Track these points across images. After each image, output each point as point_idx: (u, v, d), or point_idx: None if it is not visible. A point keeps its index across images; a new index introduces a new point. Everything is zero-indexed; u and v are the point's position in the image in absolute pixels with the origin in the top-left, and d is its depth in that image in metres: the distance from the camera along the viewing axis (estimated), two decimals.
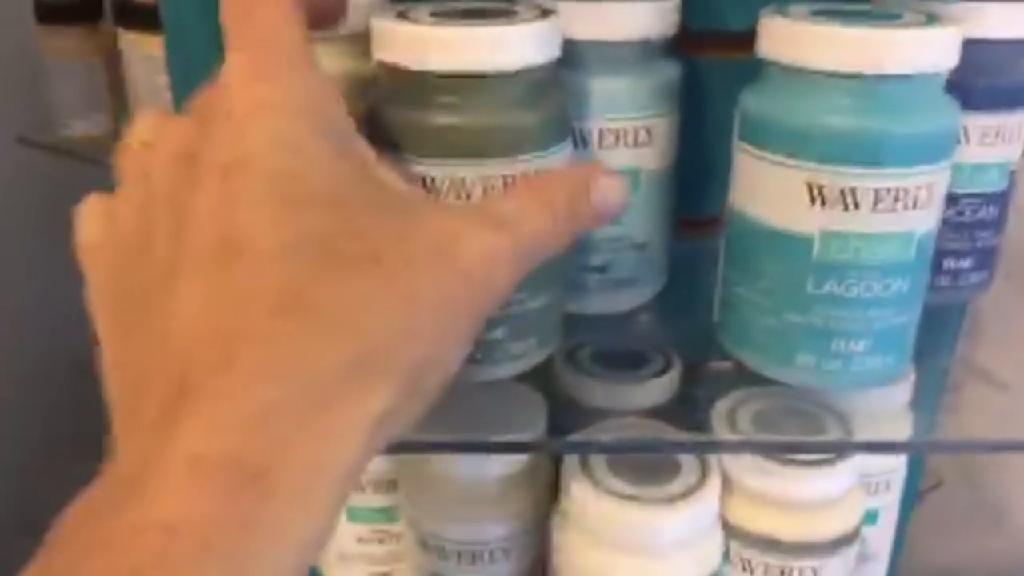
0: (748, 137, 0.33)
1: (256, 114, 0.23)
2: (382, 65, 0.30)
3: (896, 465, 0.48)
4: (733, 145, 0.34)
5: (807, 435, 0.40)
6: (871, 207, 0.30)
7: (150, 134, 0.25)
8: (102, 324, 0.24)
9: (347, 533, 0.50)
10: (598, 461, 0.40)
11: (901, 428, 0.46)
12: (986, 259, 0.41)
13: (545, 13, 0.30)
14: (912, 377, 0.45)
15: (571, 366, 0.45)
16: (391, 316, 0.21)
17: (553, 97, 0.31)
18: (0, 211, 0.80)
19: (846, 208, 0.30)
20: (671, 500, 0.38)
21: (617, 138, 0.37)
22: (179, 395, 0.19)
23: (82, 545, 0.19)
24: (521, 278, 0.25)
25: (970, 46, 0.33)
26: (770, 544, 0.40)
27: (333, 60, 0.36)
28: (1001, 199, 0.40)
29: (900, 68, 0.29)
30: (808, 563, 0.40)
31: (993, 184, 0.39)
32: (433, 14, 0.30)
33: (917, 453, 0.50)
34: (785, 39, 0.31)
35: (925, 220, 0.32)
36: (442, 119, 0.29)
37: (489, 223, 0.24)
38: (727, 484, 0.41)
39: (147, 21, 0.60)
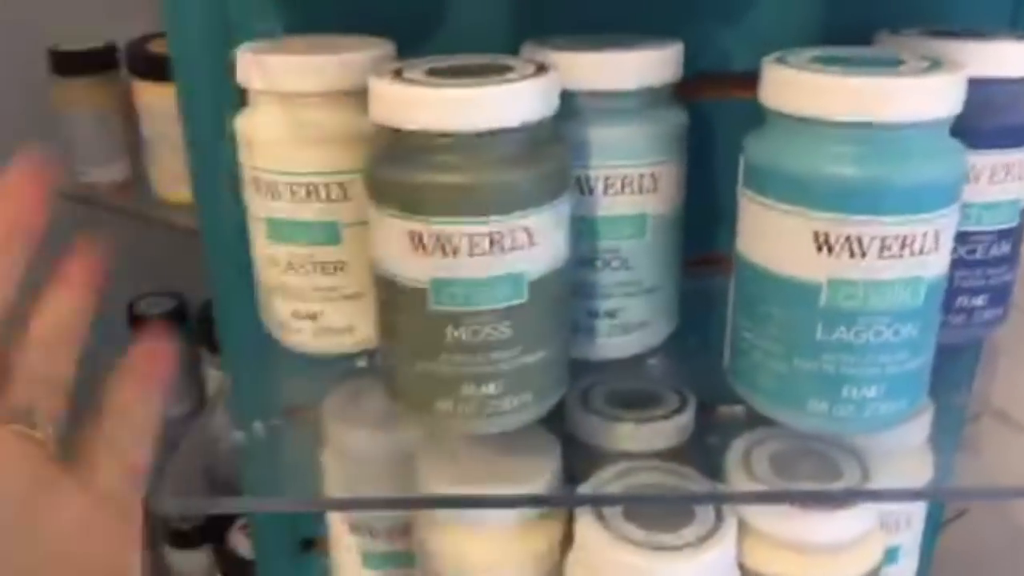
0: (753, 185, 0.33)
1: None
2: (378, 124, 0.30)
3: (916, 503, 0.47)
4: (738, 191, 0.34)
5: (824, 477, 0.40)
6: (878, 254, 0.30)
7: None
8: None
9: None
10: (612, 507, 0.39)
11: (920, 466, 0.45)
12: (1000, 296, 0.40)
13: (541, 69, 0.31)
14: (930, 413, 0.45)
15: (584, 407, 0.45)
16: None
17: (551, 151, 0.32)
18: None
19: (852, 256, 0.30)
20: (686, 547, 0.37)
21: (623, 185, 0.37)
22: None
23: None
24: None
25: (978, 85, 0.33)
26: None
27: (332, 116, 0.36)
28: (1013, 235, 0.40)
29: (903, 116, 0.29)
30: None
31: (1004, 221, 0.39)
32: (429, 72, 0.31)
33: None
34: (787, 88, 0.31)
35: (934, 265, 0.32)
36: (436, 178, 0.29)
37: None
38: (744, 527, 0.40)
39: (160, 71, 0.61)
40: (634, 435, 0.44)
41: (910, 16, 0.41)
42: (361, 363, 0.42)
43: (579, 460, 0.43)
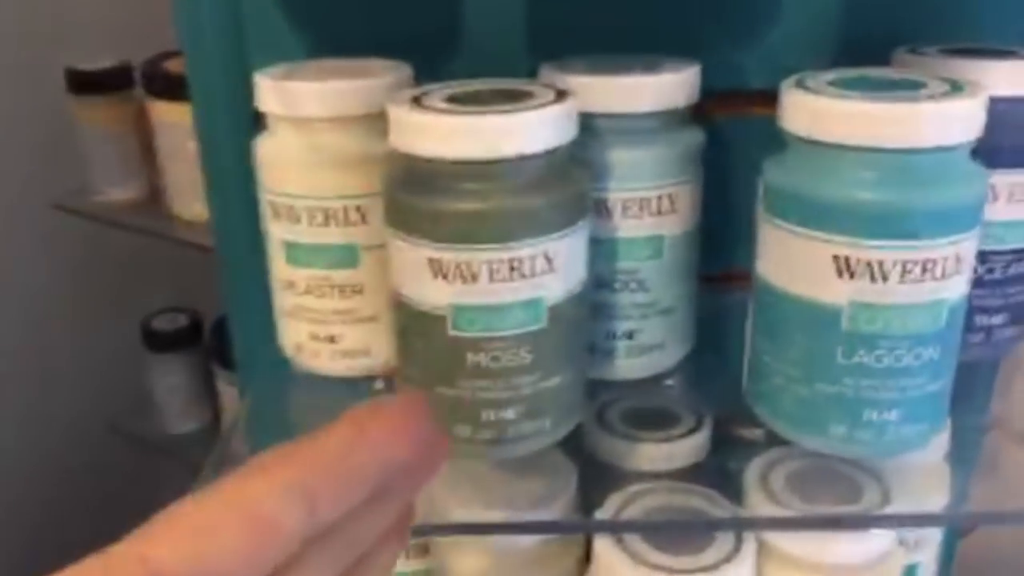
0: (772, 209, 0.33)
1: None
2: (397, 151, 0.30)
3: None
4: (756, 215, 0.34)
5: (843, 498, 0.40)
6: (899, 279, 0.30)
7: None
8: None
9: None
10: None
11: (938, 484, 0.45)
12: (1019, 314, 0.40)
13: (561, 95, 0.31)
14: (948, 431, 0.45)
15: (601, 427, 0.45)
16: None
17: (570, 177, 0.32)
18: (36, 276, 0.81)
19: (874, 280, 0.30)
20: (706, 570, 0.37)
21: (640, 207, 0.37)
22: None
23: None
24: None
25: (996, 104, 0.33)
26: None
27: (350, 140, 0.36)
28: None
29: (925, 142, 0.29)
30: None
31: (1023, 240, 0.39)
32: (448, 99, 0.31)
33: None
34: (807, 113, 0.31)
35: (955, 288, 0.31)
36: (456, 205, 0.29)
37: None
38: (763, 548, 0.40)
39: (175, 90, 0.62)
40: (651, 455, 0.44)
41: (927, 32, 0.41)
42: (378, 385, 0.43)
43: (596, 480, 0.43)
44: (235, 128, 0.43)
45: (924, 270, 0.30)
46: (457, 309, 0.31)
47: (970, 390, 0.49)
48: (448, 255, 0.30)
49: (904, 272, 0.30)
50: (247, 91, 0.39)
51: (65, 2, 0.75)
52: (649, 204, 0.37)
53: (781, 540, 0.40)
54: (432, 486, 0.41)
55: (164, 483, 0.72)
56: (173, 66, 0.66)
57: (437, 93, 0.32)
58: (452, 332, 0.31)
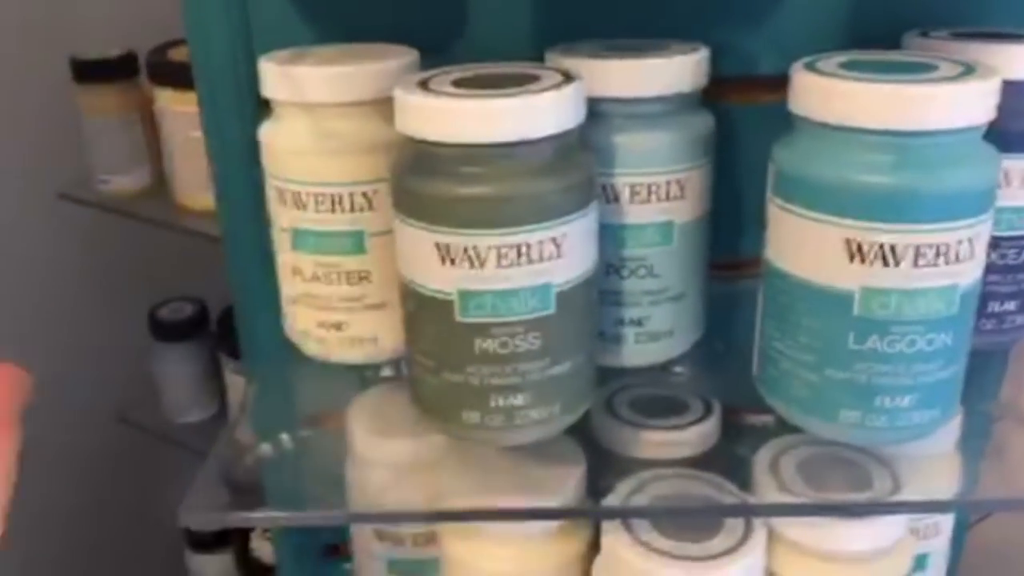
0: (782, 193, 0.32)
1: None
2: (406, 136, 0.30)
3: None
4: (767, 199, 0.34)
5: (853, 486, 0.39)
6: (912, 263, 0.30)
7: None
8: None
9: None
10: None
11: (949, 472, 0.45)
12: None
13: (568, 79, 0.30)
14: (959, 418, 0.44)
15: (609, 414, 0.45)
16: None
17: (578, 161, 0.31)
18: (42, 265, 0.81)
19: (886, 264, 0.30)
20: (715, 557, 0.37)
21: (649, 192, 0.37)
22: None
23: None
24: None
25: (1008, 88, 0.32)
26: None
27: (357, 126, 0.36)
28: None
29: (937, 124, 0.29)
30: None
31: None
32: (455, 83, 0.30)
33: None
34: (817, 96, 0.31)
35: (968, 272, 0.31)
36: (463, 190, 0.29)
37: None
38: (772, 536, 0.40)
39: (181, 78, 0.61)
40: (659, 442, 0.43)
41: (938, 17, 0.41)
42: (386, 372, 0.42)
43: (604, 467, 0.43)
44: (240, 115, 0.43)
45: (937, 254, 0.30)
46: (465, 294, 0.31)
47: (981, 377, 0.49)
48: (456, 240, 0.30)
49: (917, 256, 0.30)
50: (252, 78, 0.39)
51: None
52: (658, 189, 0.37)
53: (790, 528, 0.39)
54: (440, 473, 0.41)
55: (171, 472, 0.72)
56: (178, 55, 0.66)
57: (444, 77, 0.31)
58: (460, 318, 0.31)
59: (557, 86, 0.30)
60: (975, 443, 0.47)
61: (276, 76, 0.37)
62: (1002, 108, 0.32)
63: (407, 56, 0.37)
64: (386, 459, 0.44)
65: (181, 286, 0.84)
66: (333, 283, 0.38)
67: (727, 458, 0.44)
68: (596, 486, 0.42)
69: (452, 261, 0.30)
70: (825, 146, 0.31)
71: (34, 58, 0.74)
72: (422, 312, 0.33)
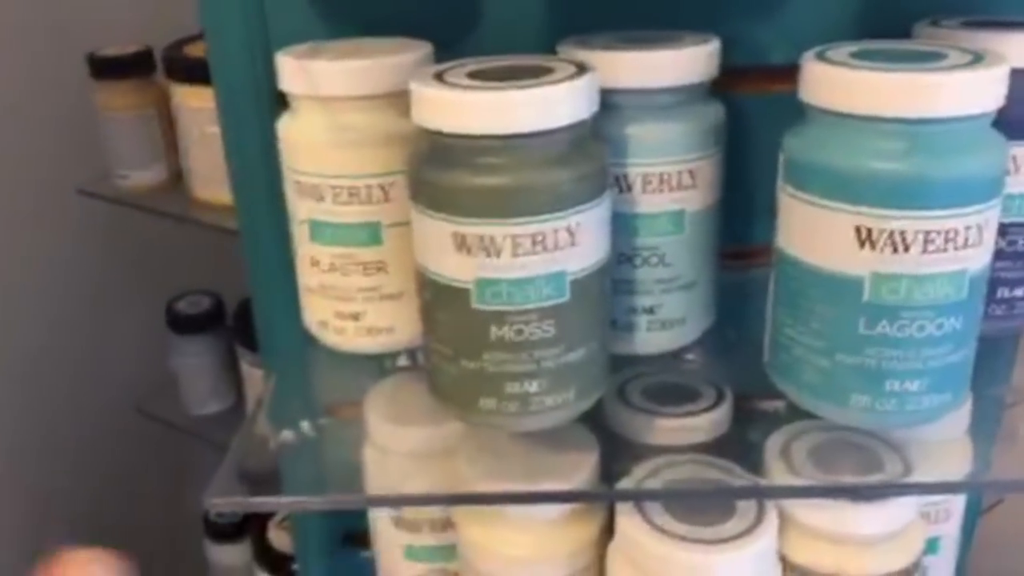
0: (793, 181, 0.33)
1: None
2: (422, 128, 0.31)
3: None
4: (777, 187, 0.34)
5: (864, 470, 0.40)
6: (921, 249, 0.30)
7: None
8: None
9: (405, 571, 0.50)
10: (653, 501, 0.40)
11: (960, 457, 0.45)
12: None
13: (582, 70, 0.31)
14: (969, 404, 0.45)
15: (622, 402, 0.45)
16: None
17: (592, 151, 0.32)
18: (61, 261, 0.82)
19: (896, 250, 0.30)
20: (728, 540, 0.38)
21: (661, 182, 0.37)
22: None
23: None
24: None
25: (1017, 76, 0.33)
26: None
27: (373, 119, 0.37)
28: None
29: (946, 111, 0.29)
30: None
31: None
32: (471, 75, 0.31)
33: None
34: (828, 84, 0.31)
35: (977, 258, 0.31)
36: (479, 180, 0.30)
37: None
38: (784, 520, 0.40)
39: (197, 74, 0.62)
40: (672, 429, 0.44)
41: (949, 6, 0.41)
42: (402, 361, 0.43)
43: (617, 454, 0.43)
44: (257, 109, 0.43)
45: (946, 240, 0.30)
46: (481, 283, 0.32)
47: (992, 363, 0.49)
48: (471, 230, 0.30)
49: (926, 242, 0.30)
50: (269, 72, 0.40)
51: None
52: (670, 179, 0.37)
53: (802, 511, 0.40)
54: (456, 460, 0.42)
55: (189, 464, 0.73)
56: (194, 50, 0.67)
57: (459, 69, 0.32)
58: (476, 306, 0.32)
59: (571, 77, 0.30)
60: (986, 428, 0.47)
61: (293, 70, 0.38)
62: (1011, 96, 0.32)
63: (422, 49, 0.38)
64: (403, 447, 0.44)
65: (198, 279, 0.84)
66: (350, 274, 0.39)
67: (739, 444, 0.44)
68: (610, 472, 0.42)
69: (468, 250, 0.31)
70: (835, 134, 0.31)
71: (52, 55, 0.74)
72: (439, 301, 0.33)
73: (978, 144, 0.31)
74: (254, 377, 0.78)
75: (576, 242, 0.31)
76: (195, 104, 0.66)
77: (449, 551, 0.49)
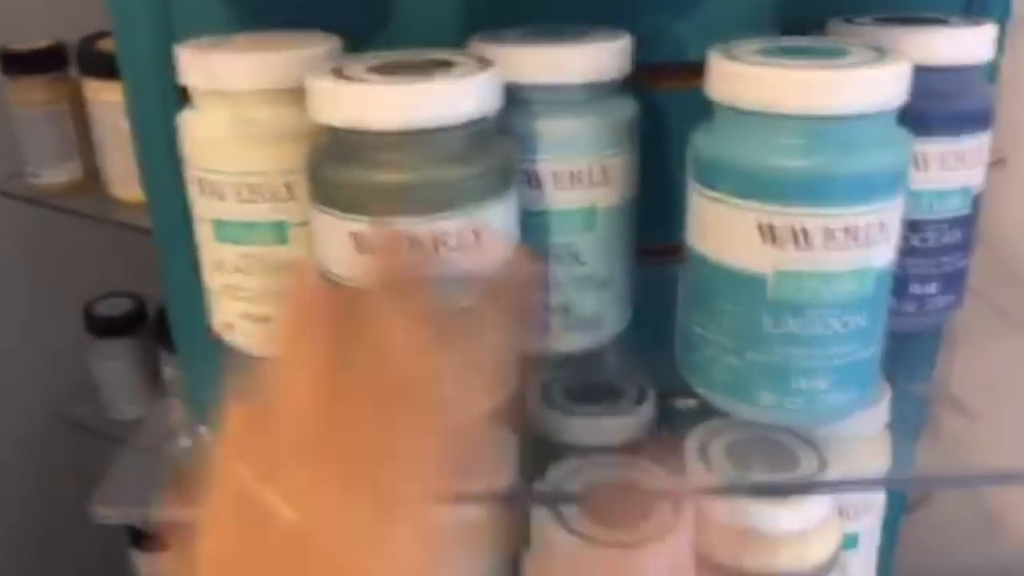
0: (699, 178, 0.32)
1: None
2: (319, 123, 0.30)
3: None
4: (687, 185, 0.34)
5: (780, 467, 0.40)
6: (823, 245, 0.30)
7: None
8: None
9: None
10: (569, 503, 0.39)
11: (878, 452, 0.46)
12: (953, 283, 0.41)
13: (484, 65, 0.30)
14: (887, 401, 0.45)
15: (544, 402, 0.45)
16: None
17: (494, 148, 0.31)
18: None
19: (798, 247, 0.30)
20: (643, 541, 0.37)
21: (572, 178, 0.37)
22: None
23: None
24: None
25: (930, 72, 0.33)
26: None
27: (276, 114, 0.35)
28: (965, 223, 0.40)
29: (847, 108, 0.29)
30: None
31: (956, 209, 0.39)
32: (370, 69, 0.30)
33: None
34: (732, 81, 0.31)
35: (881, 254, 0.31)
36: (376, 177, 0.29)
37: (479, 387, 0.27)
38: (701, 518, 0.40)
39: (110, 69, 0.60)
40: (593, 429, 0.43)
41: (865, 2, 0.41)
42: None
43: (539, 455, 0.43)
44: (164, 105, 0.42)
45: (849, 236, 0.30)
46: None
47: (913, 359, 0.50)
48: (369, 228, 0.29)
49: (828, 239, 0.30)
50: (175, 67, 0.38)
51: None
52: (581, 176, 0.37)
53: (718, 509, 0.40)
54: None
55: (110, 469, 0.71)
56: (107, 45, 0.64)
57: (359, 64, 0.31)
58: None
59: (471, 72, 0.29)
60: (908, 422, 0.48)
61: (193, 63, 0.36)
62: (921, 92, 0.32)
63: (328, 43, 0.37)
64: None
65: (119, 281, 0.82)
66: (256, 275, 0.38)
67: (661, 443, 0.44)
68: (531, 474, 0.42)
69: (369, 251, 0.30)
70: (739, 130, 0.31)
71: None
72: None
73: (880, 140, 0.31)
74: (175, 381, 0.76)
75: (480, 240, 0.30)
76: (109, 99, 0.64)
77: None
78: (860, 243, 0.30)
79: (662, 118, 0.42)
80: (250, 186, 0.36)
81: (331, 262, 0.32)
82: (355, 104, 0.28)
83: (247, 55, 0.36)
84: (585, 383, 0.46)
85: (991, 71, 0.45)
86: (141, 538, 0.85)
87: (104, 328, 0.80)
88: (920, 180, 0.37)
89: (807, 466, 0.40)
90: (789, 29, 0.41)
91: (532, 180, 0.36)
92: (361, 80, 0.29)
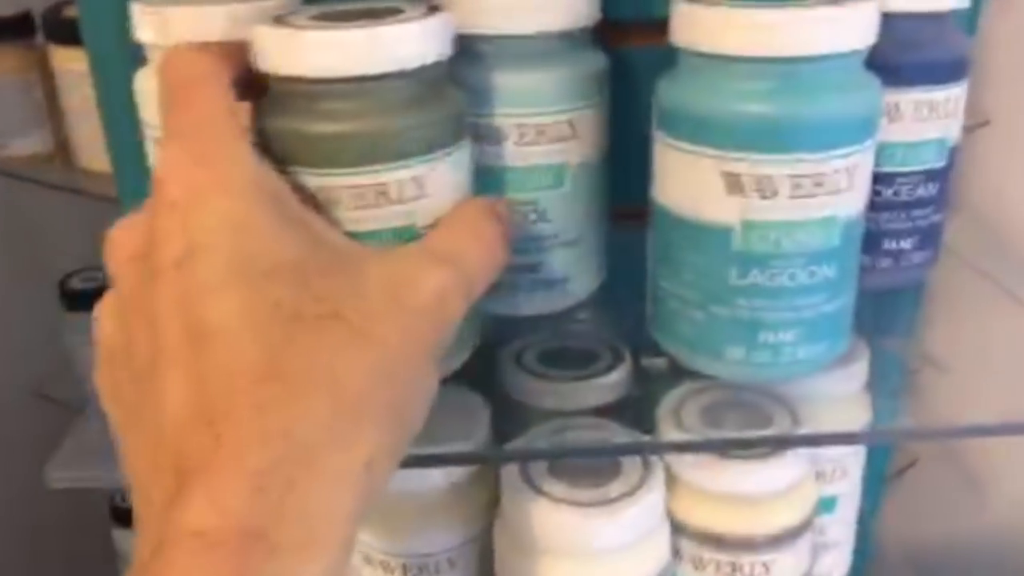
0: (664, 127, 0.32)
1: (197, 200, 0.24)
2: (262, 74, 0.28)
3: (851, 451, 0.47)
4: (652, 135, 0.33)
5: (752, 428, 0.39)
6: (789, 194, 0.29)
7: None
8: (113, 420, 0.25)
9: None
10: (538, 465, 0.39)
11: (856, 413, 0.45)
12: (928, 238, 0.40)
13: (432, 10, 0.29)
14: (866, 359, 0.44)
15: (517, 367, 0.44)
16: (360, 365, 0.23)
17: (442, 98, 0.30)
18: None
19: (764, 196, 0.29)
20: (611, 502, 0.37)
21: (538, 133, 0.36)
22: (178, 480, 0.21)
23: None
24: (470, 306, 0.27)
25: (902, 20, 0.32)
26: (717, 540, 0.39)
27: None
28: (940, 176, 0.39)
29: (812, 50, 0.28)
30: (758, 558, 0.39)
31: (930, 161, 0.38)
32: (313, 17, 0.29)
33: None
34: (694, 24, 0.30)
35: (849, 204, 0.31)
36: (314, 127, 0.28)
37: (434, 260, 0.26)
38: (672, 480, 0.40)
39: (76, 36, 0.59)
40: (568, 393, 0.43)
41: None
42: None
43: (513, 421, 0.42)
44: (127, 69, 0.41)
45: (816, 184, 0.29)
46: None
47: (892, 317, 0.49)
48: (311, 181, 0.28)
49: (794, 187, 0.29)
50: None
51: None
52: (547, 130, 0.36)
53: (689, 471, 0.39)
54: None
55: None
56: (74, 12, 0.63)
57: (304, 13, 0.30)
58: None
59: (419, 18, 0.28)
60: (889, 382, 0.47)
61: (146, 18, 0.35)
62: (894, 40, 0.31)
63: None
64: None
65: (92, 254, 0.81)
66: None
67: (634, 406, 0.44)
68: (504, 440, 0.41)
69: (305, 204, 0.29)
70: (702, 76, 0.30)
71: None
72: None
73: (846, 84, 0.30)
74: None
75: (425, 194, 0.29)
76: (75, 67, 0.63)
77: None
78: (828, 192, 0.29)
79: (634, 77, 0.41)
80: None
81: None
82: (294, 51, 0.27)
83: (198, 8, 0.34)
84: (560, 347, 0.45)
85: (969, 24, 0.45)
86: (123, 515, 0.85)
87: (79, 302, 0.79)
88: (893, 131, 0.36)
89: (781, 425, 0.40)
90: None
91: (495, 135, 0.35)
92: (300, 26, 0.28)
